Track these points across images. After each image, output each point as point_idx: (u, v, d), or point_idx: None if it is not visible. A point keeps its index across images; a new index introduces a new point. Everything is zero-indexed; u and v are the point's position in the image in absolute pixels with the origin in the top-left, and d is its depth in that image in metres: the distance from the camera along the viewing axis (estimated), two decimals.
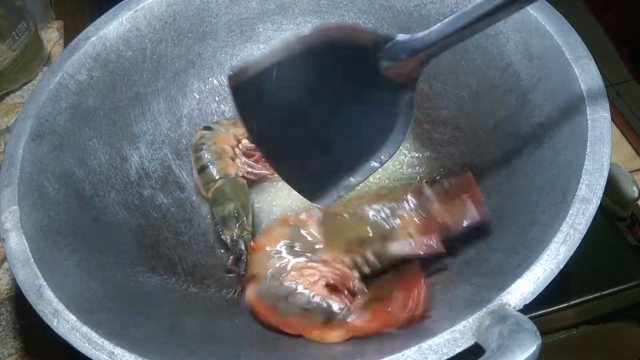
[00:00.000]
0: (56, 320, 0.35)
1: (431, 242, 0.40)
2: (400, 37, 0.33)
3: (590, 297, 0.56)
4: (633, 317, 0.58)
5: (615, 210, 0.66)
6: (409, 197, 0.42)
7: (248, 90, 0.33)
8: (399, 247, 0.41)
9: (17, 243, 0.39)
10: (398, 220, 0.41)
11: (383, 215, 0.42)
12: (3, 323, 0.53)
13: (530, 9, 0.45)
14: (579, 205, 0.34)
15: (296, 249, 0.43)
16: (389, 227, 0.41)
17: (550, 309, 0.56)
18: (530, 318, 0.30)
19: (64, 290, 0.37)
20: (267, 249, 0.43)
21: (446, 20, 0.31)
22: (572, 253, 0.33)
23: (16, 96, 0.71)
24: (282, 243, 0.43)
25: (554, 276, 0.32)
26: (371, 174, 0.37)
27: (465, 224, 0.41)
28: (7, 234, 0.39)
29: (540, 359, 0.29)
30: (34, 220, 0.41)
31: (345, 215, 0.43)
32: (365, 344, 0.37)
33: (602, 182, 0.35)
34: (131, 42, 0.53)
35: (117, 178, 0.50)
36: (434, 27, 0.31)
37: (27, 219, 0.40)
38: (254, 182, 0.54)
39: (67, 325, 0.35)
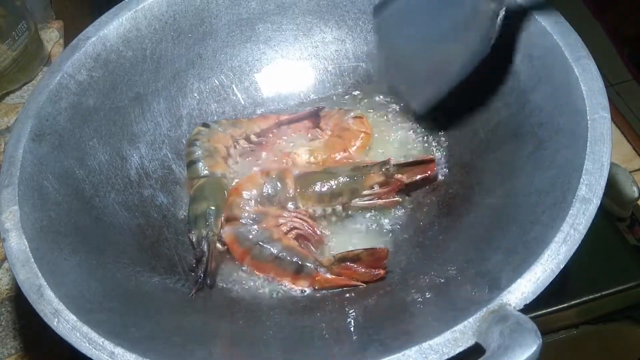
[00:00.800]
0: (56, 320, 0.35)
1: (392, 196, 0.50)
2: None
3: (590, 297, 0.56)
4: (633, 317, 0.58)
5: (615, 210, 0.66)
6: (375, 164, 0.50)
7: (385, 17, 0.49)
8: (364, 200, 0.49)
9: (17, 243, 0.39)
10: (364, 177, 0.49)
11: (353, 174, 0.50)
12: (3, 323, 0.53)
13: (530, 9, 0.45)
14: (579, 205, 0.34)
15: (273, 197, 0.49)
16: (357, 182, 0.49)
17: (550, 309, 0.56)
18: (531, 318, 0.30)
19: (64, 290, 0.37)
20: (246, 193, 0.49)
21: None
22: (572, 253, 0.33)
23: (16, 96, 0.71)
24: (260, 190, 0.49)
25: (555, 276, 0.32)
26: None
27: (418, 177, 0.49)
28: (7, 234, 0.39)
29: (541, 359, 0.29)
30: (34, 220, 0.41)
31: (321, 171, 0.51)
32: (366, 345, 0.37)
33: (602, 182, 0.35)
34: (131, 42, 0.53)
35: (117, 178, 0.50)
36: None
37: (27, 219, 0.40)
38: None
39: (68, 325, 0.35)
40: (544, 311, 0.55)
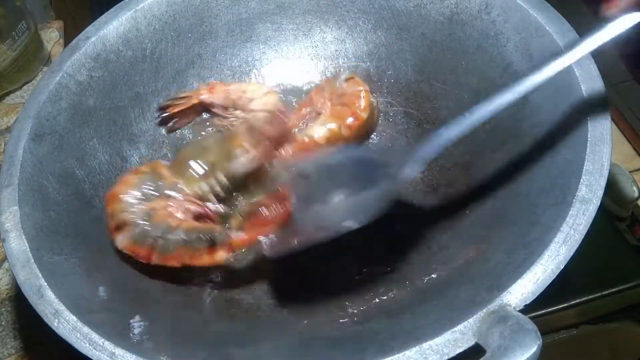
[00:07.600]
0: (57, 320, 0.35)
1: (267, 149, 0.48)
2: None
3: (590, 297, 0.56)
4: (633, 317, 0.59)
5: (615, 210, 0.66)
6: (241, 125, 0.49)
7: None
8: (239, 162, 0.47)
9: (17, 243, 0.39)
10: (231, 138, 0.47)
11: (219, 137, 0.48)
12: (3, 323, 0.53)
13: (530, 9, 0.45)
14: (579, 205, 0.34)
15: (153, 191, 0.46)
16: (225, 144, 0.47)
17: (550, 309, 0.56)
18: (531, 318, 0.30)
19: (65, 290, 0.37)
20: (124, 197, 0.46)
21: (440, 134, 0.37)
22: (572, 253, 0.33)
23: (16, 96, 0.71)
24: (139, 189, 0.46)
25: (555, 276, 0.32)
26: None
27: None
28: (7, 234, 0.39)
29: (541, 359, 0.29)
30: (34, 221, 0.41)
31: (190, 148, 0.49)
32: (366, 345, 0.37)
33: (602, 183, 0.35)
34: (131, 42, 0.53)
35: (117, 178, 0.50)
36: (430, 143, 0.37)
37: (27, 219, 0.40)
38: None
39: (68, 325, 0.35)
40: (544, 311, 0.55)
